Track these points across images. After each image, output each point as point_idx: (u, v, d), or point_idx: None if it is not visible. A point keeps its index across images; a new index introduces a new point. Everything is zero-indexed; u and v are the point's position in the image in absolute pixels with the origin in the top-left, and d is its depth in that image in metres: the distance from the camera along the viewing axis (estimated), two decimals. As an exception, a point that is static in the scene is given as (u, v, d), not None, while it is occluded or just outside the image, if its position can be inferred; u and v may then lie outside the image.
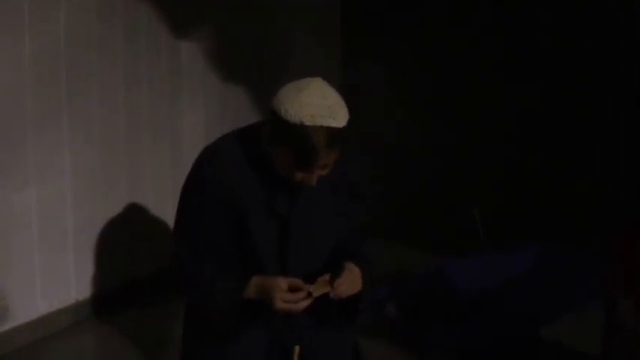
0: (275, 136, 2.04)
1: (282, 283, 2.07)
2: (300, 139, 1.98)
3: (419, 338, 3.30)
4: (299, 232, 2.16)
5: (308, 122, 1.97)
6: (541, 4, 4.16)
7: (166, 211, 3.75)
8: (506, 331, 3.21)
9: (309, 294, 2.06)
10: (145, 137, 3.81)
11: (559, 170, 4.22)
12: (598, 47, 4.04)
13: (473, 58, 4.38)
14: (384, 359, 3.11)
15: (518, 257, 3.33)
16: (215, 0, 4.10)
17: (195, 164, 2.19)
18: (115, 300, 3.66)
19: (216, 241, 2.14)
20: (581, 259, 3.28)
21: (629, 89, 3.98)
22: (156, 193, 3.86)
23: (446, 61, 4.48)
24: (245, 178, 2.12)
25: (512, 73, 4.28)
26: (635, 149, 3.97)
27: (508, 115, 4.34)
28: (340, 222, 2.25)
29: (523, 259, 3.32)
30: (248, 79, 4.37)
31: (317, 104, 1.98)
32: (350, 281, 2.11)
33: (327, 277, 2.09)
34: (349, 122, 2.03)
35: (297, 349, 2.19)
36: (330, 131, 1.98)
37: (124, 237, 3.73)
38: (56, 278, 3.43)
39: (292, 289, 2.08)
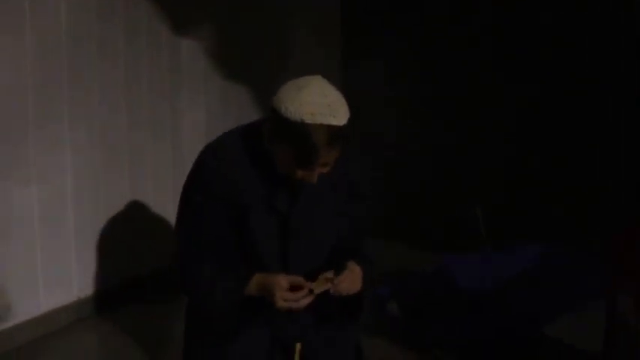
0: (275, 134, 2.05)
1: (283, 280, 2.07)
2: (300, 137, 1.98)
3: (420, 336, 3.30)
4: (299, 229, 2.17)
5: (308, 120, 1.97)
6: (541, 4, 4.17)
7: (167, 209, 3.76)
8: (507, 329, 3.21)
9: (311, 291, 2.06)
10: (146, 135, 3.81)
11: (559, 170, 4.22)
12: (598, 47, 4.04)
13: (473, 58, 4.39)
14: (386, 357, 3.11)
15: (519, 256, 3.33)
16: (215, -1, 4.13)
17: (196, 162, 2.19)
18: (116, 297, 3.67)
19: (217, 238, 2.14)
20: (581, 258, 3.28)
21: (629, 89, 3.99)
22: (157, 191, 3.86)
23: (446, 61, 4.49)
24: (246, 176, 2.13)
25: (512, 73, 4.28)
26: (635, 149, 3.98)
27: (508, 115, 4.34)
28: (340, 221, 2.25)
29: (524, 258, 3.32)
30: (248, 78, 4.38)
31: (317, 102, 1.99)
32: (351, 280, 2.12)
33: (328, 274, 2.09)
34: (349, 121, 2.03)
35: (298, 346, 2.19)
36: (331, 129, 1.99)
37: (126, 235, 3.74)
38: (58, 276, 3.44)
39: (293, 287, 2.09)
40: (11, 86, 3.15)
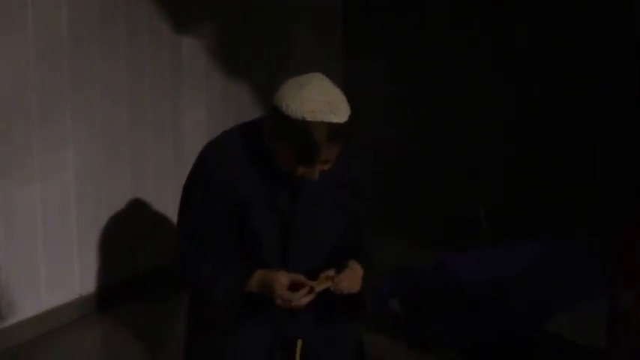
0: (276, 131, 2.05)
1: (283, 278, 2.07)
2: (301, 134, 1.98)
3: (421, 333, 3.31)
4: (300, 227, 2.16)
5: (309, 118, 1.97)
6: (541, 4, 4.17)
7: (169, 207, 3.76)
8: (508, 326, 3.22)
9: (311, 289, 2.06)
10: (148, 134, 3.82)
11: (559, 170, 4.23)
12: (598, 47, 4.05)
13: (473, 58, 4.39)
14: (387, 354, 3.12)
15: (520, 252, 3.33)
16: (217, -3, 4.14)
17: (197, 160, 2.19)
18: (118, 295, 3.67)
19: (218, 236, 2.14)
20: (581, 255, 3.29)
21: (629, 89, 3.99)
22: (158, 189, 3.87)
23: (446, 61, 4.49)
24: (247, 174, 2.12)
25: (512, 73, 4.29)
26: (635, 149, 3.98)
27: (508, 115, 4.35)
28: (341, 218, 2.24)
29: (524, 254, 3.32)
30: (249, 77, 4.37)
31: (318, 100, 1.99)
32: (351, 279, 2.11)
33: (329, 272, 2.09)
34: (350, 118, 2.03)
35: (299, 343, 2.19)
36: (332, 127, 1.98)
37: (127, 233, 3.74)
38: (60, 273, 3.45)
39: (293, 285, 2.09)
40: (13, 85, 3.16)
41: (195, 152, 2.21)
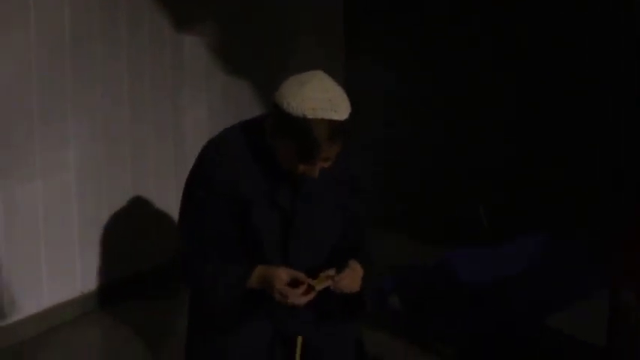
0: (277, 129, 2.06)
1: (283, 274, 2.08)
2: (302, 132, 1.99)
3: (421, 330, 3.31)
4: (301, 225, 2.17)
5: (310, 115, 1.98)
6: (541, 4, 4.18)
7: (170, 205, 3.76)
8: (509, 322, 3.22)
9: (312, 288, 2.07)
10: (149, 132, 3.82)
11: (559, 170, 4.23)
12: (598, 47, 4.05)
13: (473, 58, 4.40)
14: (387, 350, 3.12)
15: (520, 249, 3.33)
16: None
17: (198, 157, 2.20)
18: (119, 292, 3.67)
19: (219, 234, 2.15)
20: (582, 252, 3.30)
21: (629, 89, 4.00)
22: (159, 187, 3.87)
23: (446, 61, 4.50)
24: (248, 171, 2.13)
25: (512, 73, 4.30)
26: (635, 149, 3.99)
27: (508, 115, 4.36)
28: (342, 216, 2.25)
29: (525, 252, 3.32)
30: (250, 76, 4.37)
31: (319, 97, 2.00)
32: (351, 278, 2.12)
33: (330, 272, 2.10)
34: (351, 115, 2.04)
35: (299, 340, 2.20)
36: (332, 124, 1.99)
37: (128, 230, 3.75)
38: (62, 271, 3.45)
39: (293, 282, 2.10)
40: (15, 84, 3.16)
41: (196, 151, 2.23)
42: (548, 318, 3.34)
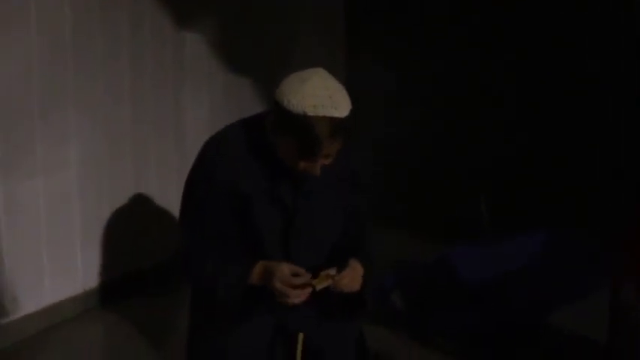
0: (278, 126, 2.06)
1: (286, 268, 2.09)
2: (303, 129, 2.00)
3: (423, 326, 3.31)
4: (302, 222, 2.18)
5: (311, 113, 1.99)
6: (541, 4, 4.19)
7: (171, 202, 3.76)
8: (510, 319, 3.23)
9: (312, 288, 2.07)
10: (150, 130, 3.82)
11: (559, 170, 4.24)
12: (598, 47, 4.06)
13: (473, 58, 4.41)
14: (388, 347, 3.12)
15: (522, 245, 3.33)
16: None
17: (199, 154, 2.20)
18: (121, 290, 3.68)
19: (220, 230, 2.15)
20: (583, 249, 3.30)
21: (629, 89, 4.01)
22: (160, 184, 3.87)
23: (446, 61, 4.51)
24: (249, 168, 2.13)
25: (512, 73, 4.31)
26: (635, 149, 4.00)
27: (508, 115, 4.37)
28: (343, 213, 2.26)
29: (526, 248, 3.33)
30: (251, 74, 4.38)
31: (319, 95, 2.00)
32: (352, 277, 2.13)
33: (330, 271, 2.11)
34: (351, 112, 2.05)
35: (301, 336, 2.20)
36: (333, 121, 2.00)
37: (130, 227, 3.75)
38: (63, 268, 3.46)
39: (294, 276, 2.11)
40: (16, 81, 3.16)
41: (197, 149, 2.23)
42: (549, 316, 3.35)
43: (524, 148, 4.34)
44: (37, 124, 3.26)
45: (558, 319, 3.32)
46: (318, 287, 2.08)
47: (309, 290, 2.07)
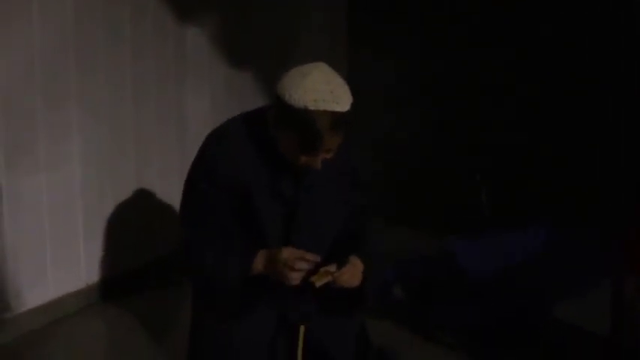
0: (280, 120, 2.07)
1: (290, 250, 2.10)
2: (304, 123, 2.00)
3: (424, 319, 3.32)
4: (303, 216, 2.18)
5: (312, 107, 1.99)
6: (541, 4, 4.20)
7: (173, 197, 3.73)
8: (511, 312, 3.24)
9: (312, 284, 2.08)
10: (152, 124, 3.83)
11: (559, 170, 4.25)
12: (598, 47, 4.07)
13: (473, 58, 4.42)
14: (390, 340, 3.12)
15: (523, 238, 3.35)
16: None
17: (200, 148, 2.21)
18: (123, 284, 3.69)
19: (221, 225, 2.16)
20: (584, 242, 3.31)
21: (629, 89, 4.01)
22: (163, 178, 3.88)
23: (446, 61, 4.51)
24: (250, 162, 2.14)
25: (512, 73, 4.31)
26: (635, 149, 4.00)
27: (508, 115, 4.37)
28: (343, 208, 2.27)
29: (528, 240, 3.34)
30: (253, 67, 4.38)
31: (321, 89, 2.01)
32: (351, 273, 2.14)
33: (330, 267, 2.12)
34: (352, 107, 2.05)
35: (302, 328, 2.21)
36: (334, 116, 2.00)
37: (132, 222, 3.76)
38: (66, 263, 3.47)
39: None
40: (18, 75, 3.17)
41: (199, 143, 2.23)
42: (551, 307, 3.34)
43: (525, 148, 4.35)
44: (40, 120, 3.26)
45: (559, 313, 3.32)
46: (318, 284, 2.09)
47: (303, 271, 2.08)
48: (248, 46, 4.36)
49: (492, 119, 4.41)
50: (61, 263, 3.44)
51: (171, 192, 3.81)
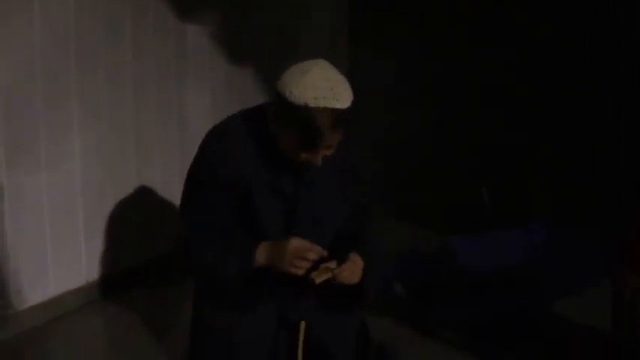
0: (280, 117, 2.07)
1: (299, 241, 2.10)
2: (304, 120, 2.00)
3: (425, 316, 3.33)
4: (304, 212, 2.19)
5: (312, 104, 1.99)
6: (541, 4, 4.21)
7: (174, 194, 3.70)
8: (511, 308, 3.24)
9: (312, 281, 2.09)
10: (153, 122, 3.84)
11: (559, 170, 4.25)
12: (598, 47, 4.08)
13: (473, 58, 4.43)
14: (391, 337, 3.12)
15: (523, 237, 3.35)
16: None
17: (201, 145, 2.21)
18: (124, 281, 3.69)
19: (222, 221, 2.16)
20: (587, 236, 3.32)
21: (629, 89, 4.02)
22: (163, 176, 3.89)
23: (446, 60, 4.52)
24: (251, 159, 2.14)
25: (512, 73, 4.32)
26: (635, 149, 4.01)
27: (508, 115, 4.38)
28: (344, 204, 2.28)
29: (528, 237, 3.34)
30: (253, 64, 4.39)
31: (321, 86, 2.01)
32: (351, 270, 2.14)
33: (330, 264, 2.12)
34: (352, 104, 2.05)
35: (303, 325, 2.22)
36: (334, 112, 2.01)
37: (133, 219, 3.77)
38: (67, 260, 3.47)
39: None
40: (19, 72, 3.17)
41: (199, 140, 2.24)
42: (551, 304, 3.35)
43: (525, 148, 4.36)
44: (40, 117, 3.26)
45: (562, 307, 3.33)
46: (318, 280, 2.09)
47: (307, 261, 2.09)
48: (248, 46, 4.37)
49: (492, 119, 4.41)
50: (61, 261, 3.44)
51: (171, 190, 3.81)
